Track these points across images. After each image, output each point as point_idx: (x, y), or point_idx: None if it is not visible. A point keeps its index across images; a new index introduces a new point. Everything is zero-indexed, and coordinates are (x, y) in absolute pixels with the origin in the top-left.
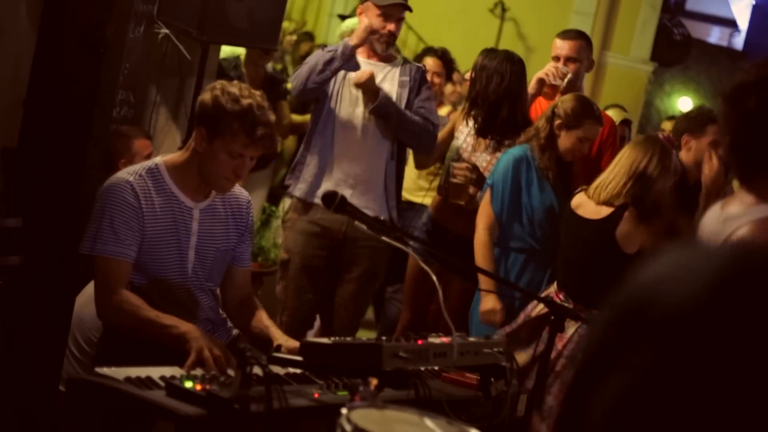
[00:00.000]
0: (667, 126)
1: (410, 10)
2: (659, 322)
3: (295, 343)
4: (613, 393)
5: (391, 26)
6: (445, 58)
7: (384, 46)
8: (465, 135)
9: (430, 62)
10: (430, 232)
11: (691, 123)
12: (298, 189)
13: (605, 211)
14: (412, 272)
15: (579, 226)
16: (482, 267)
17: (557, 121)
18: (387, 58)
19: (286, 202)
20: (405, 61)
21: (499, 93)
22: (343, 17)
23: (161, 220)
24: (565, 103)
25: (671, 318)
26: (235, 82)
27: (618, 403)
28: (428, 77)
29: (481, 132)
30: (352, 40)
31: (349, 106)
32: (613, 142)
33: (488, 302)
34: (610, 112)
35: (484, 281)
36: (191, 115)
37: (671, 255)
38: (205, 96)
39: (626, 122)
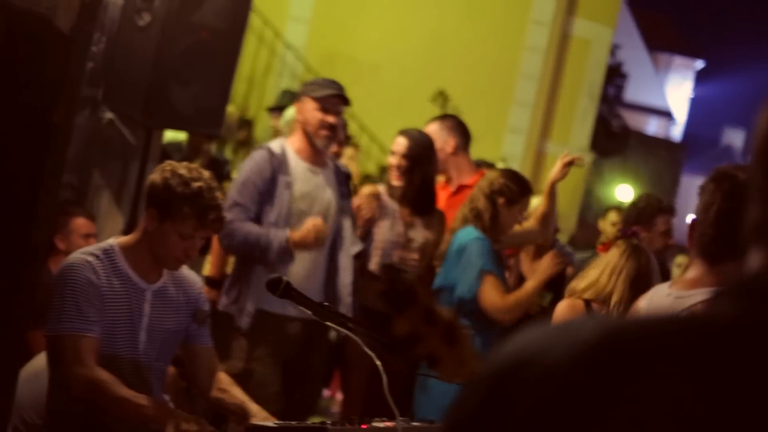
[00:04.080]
0: (613, 216)
1: (348, 103)
2: (535, 381)
3: (272, 418)
4: None
5: (331, 118)
6: None
7: (326, 142)
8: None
9: None
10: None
11: (640, 214)
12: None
13: None
14: (351, 356)
15: None
16: (519, 296)
17: (500, 199)
18: (322, 162)
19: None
20: (333, 162)
21: (412, 162)
22: (273, 109)
23: (116, 300)
24: (501, 179)
25: (547, 377)
26: (185, 163)
27: None
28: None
29: (406, 200)
30: (293, 236)
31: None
32: None
33: None
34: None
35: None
36: (134, 199)
37: (541, 327)
38: (155, 177)
39: None
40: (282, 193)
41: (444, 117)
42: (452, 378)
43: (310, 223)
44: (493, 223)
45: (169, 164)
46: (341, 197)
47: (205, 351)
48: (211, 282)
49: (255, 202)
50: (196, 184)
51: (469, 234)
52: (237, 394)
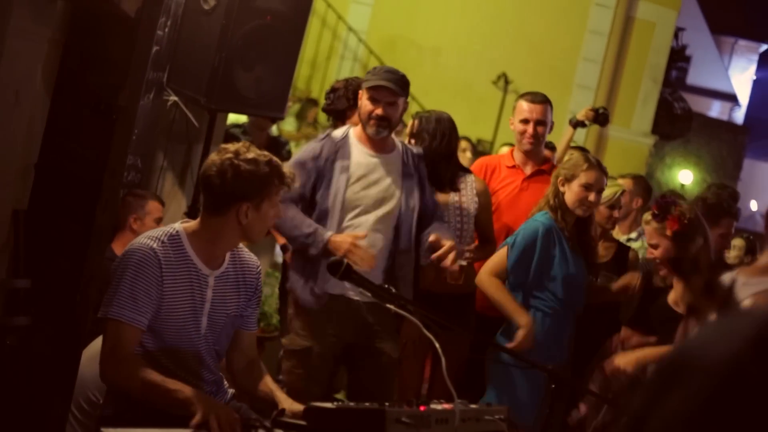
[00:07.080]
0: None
1: (400, 95)
2: (701, 370)
3: (299, 407)
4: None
5: (379, 110)
6: None
7: (375, 130)
8: None
9: None
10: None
11: (708, 212)
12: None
13: None
14: (410, 339)
15: None
16: (503, 297)
17: (559, 179)
18: (385, 148)
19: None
20: (402, 145)
21: (437, 152)
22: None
23: (179, 287)
24: (561, 160)
25: (713, 367)
26: (229, 145)
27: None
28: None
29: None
30: (332, 239)
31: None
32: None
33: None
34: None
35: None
36: (197, 181)
37: (715, 320)
38: (225, 174)
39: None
40: (338, 178)
41: (547, 98)
42: None
43: (349, 239)
44: (556, 202)
45: (224, 153)
46: (408, 178)
47: (248, 336)
48: None
49: (303, 184)
50: (264, 158)
51: (537, 219)
52: (268, 383)
